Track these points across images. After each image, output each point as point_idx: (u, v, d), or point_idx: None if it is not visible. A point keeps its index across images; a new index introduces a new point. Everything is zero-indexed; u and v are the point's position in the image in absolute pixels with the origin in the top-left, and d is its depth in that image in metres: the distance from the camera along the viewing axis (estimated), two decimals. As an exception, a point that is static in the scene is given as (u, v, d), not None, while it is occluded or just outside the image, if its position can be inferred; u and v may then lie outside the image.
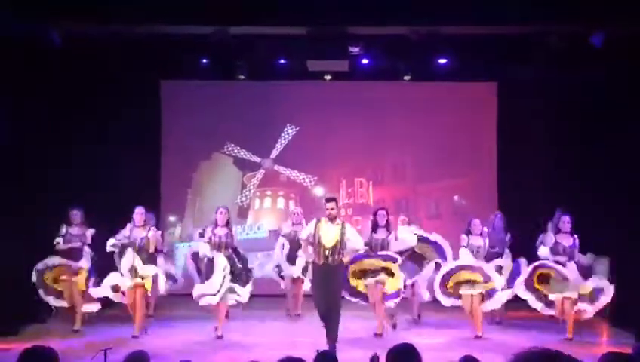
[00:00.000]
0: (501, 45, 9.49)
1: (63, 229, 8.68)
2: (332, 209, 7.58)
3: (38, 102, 9.22)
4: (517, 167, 11.19)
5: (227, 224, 8.34)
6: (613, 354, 2.81)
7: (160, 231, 9.23)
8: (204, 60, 10.55)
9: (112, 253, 8.49)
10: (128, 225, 8.37)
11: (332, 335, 7.42)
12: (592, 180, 9.54)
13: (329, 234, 7.53)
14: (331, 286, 7.53)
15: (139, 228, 8.38)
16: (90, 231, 8.76)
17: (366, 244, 8.45)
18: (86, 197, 9.17)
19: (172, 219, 11.88)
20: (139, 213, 8.40)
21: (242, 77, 10.94)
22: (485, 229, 8.69)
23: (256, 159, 12.16)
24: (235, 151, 12.13)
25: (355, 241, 7.74)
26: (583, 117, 9.76)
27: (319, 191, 12.04)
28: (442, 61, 10.20)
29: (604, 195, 9.23)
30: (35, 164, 9.24)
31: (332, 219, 7.58)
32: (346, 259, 7.72)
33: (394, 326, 8.81)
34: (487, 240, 8.52)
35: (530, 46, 9.30)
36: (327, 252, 7.50)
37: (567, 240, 8.18)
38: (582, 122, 9.79)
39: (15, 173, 8.83)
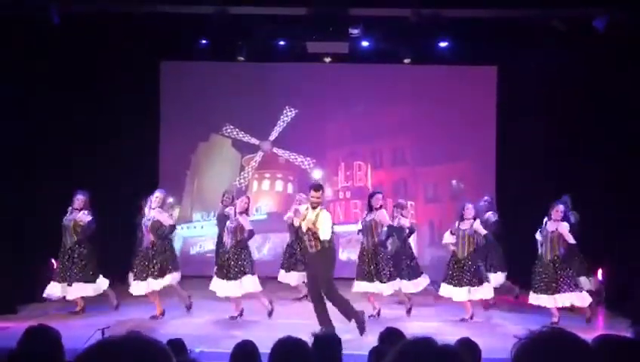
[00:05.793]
0: (502, 28, 9.44)
1: (68, 211, 8.58)
2: (318, 198, 7.53)
3: (36, 82, 9.16)
4: (515, 151, 11.16)
5: (247, 210, 8.61)
6: (606, 337, 2.81)
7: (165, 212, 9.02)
8: (204, 41, 10.51)
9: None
10: (146, 208, 8.57)
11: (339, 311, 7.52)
12: (592, 165, 9.52)
13: (307, 219, 7.55)
14: (316, 274, 7.54)
15: (153, 210, 8.52)
16: (83, 214, 8.50)
17: (360, 230, 8.61)
18: (84, 179, 9.15)
19: (170, 200, 11.83)
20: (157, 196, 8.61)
21: (241, 58, 10.89)
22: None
23: (255, 141, 12.14)
24: (234, 133, 12.10)
25: (321, 231, 7.45)
26: (583, 101, 9.72)
27: (318, 173, 12.02)
28: (443, 44, 10.16)
29: (605, 180, 9.22)
30: (34, 145, 9.20)
31: (314, 207, 7.57)
32: None
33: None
34: (476, 223, 8.54)
35: (531, 29, 9.24)
36: (304, 236, 7.63)
37: (553, 227, 8.29)
38: (582, 106, 9.76)
39: (11, 151, 8.80)
